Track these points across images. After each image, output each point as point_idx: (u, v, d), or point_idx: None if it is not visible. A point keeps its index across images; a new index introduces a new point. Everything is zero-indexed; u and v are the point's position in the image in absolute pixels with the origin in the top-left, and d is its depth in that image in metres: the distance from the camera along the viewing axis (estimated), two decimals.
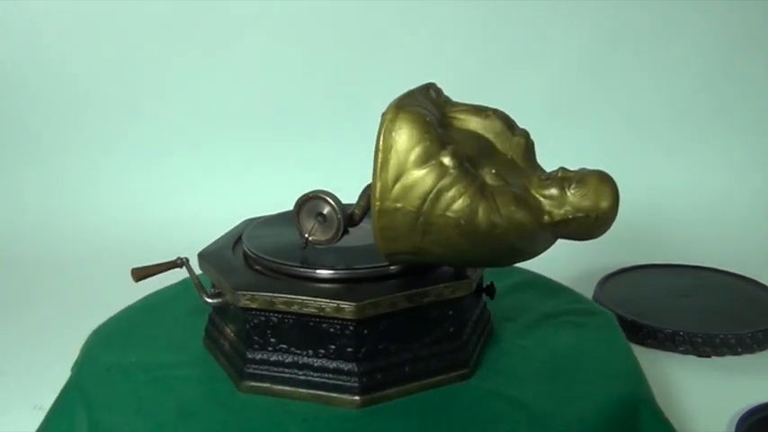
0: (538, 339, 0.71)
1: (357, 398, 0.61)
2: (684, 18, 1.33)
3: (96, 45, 1.31)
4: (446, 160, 0.58)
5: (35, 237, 1.23)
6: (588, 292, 0.96)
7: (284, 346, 0.63)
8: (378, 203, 0.60)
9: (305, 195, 0.67)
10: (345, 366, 0.61)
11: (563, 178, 0.60)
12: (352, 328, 0.60)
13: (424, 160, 0.58)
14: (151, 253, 1.15)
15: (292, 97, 1.30)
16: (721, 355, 0.85)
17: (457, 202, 0.57)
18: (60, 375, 0.71)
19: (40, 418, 0.69)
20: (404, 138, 0.58)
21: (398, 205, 0.59)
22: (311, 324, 0.61)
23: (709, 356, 0.85)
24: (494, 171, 0.60)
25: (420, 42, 1.33)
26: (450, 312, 0.64)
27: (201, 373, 0.67)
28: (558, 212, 0.59)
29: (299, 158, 1.30)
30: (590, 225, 0.59)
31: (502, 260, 0.62)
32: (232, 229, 0.76)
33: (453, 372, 0.64)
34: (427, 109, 0.61)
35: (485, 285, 0.72)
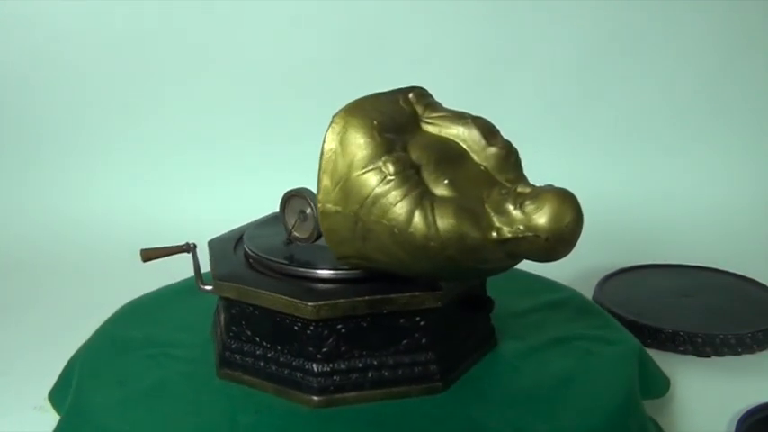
0: (537, 363, 0.68)
1: (315, 397, 0.61)
2: (684, 18, 1.33)
3: (96, 45, 1.31)
4: (386, 166, 0.56)
5: (35, 237, 1.23)
6: (588, 292, 0.96)
7: (257, 338, 0.64)
8: (320, 206, 0.59)
9: (288, 193, 0.68)
10: (306, 365, 0.62)
11: (519, 194, 0.56)
12: (312, 327, 0.60)
13: (364, 165, 0.57)
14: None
15: (292, 97, 1.30)
16: (721, 355, 0.85)
17: (392, 209, 0.56)
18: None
19: (40, 417, 0.69)
20: (347, 141, 0.58)
21: (338, 209, 0.59)
22: (278, 319, 0.62)
23: (709, 356, 0.85)
24: (446, 181, 0.57)
25: (417, 43, 1.33)
26: (423, 323, 0.62)
27: (196, 354, 0.69)
28: (508, 230, 0.55)
29: (300, 159, 1.30)
30: (541, 246, 0.55)
31: (447, 275, 0.59)
32: (249, 223, 0.77)
33: (422, 384, 0.62)
34: (383, 113, 0.59)
35: (484, 297, 0.69)
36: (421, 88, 0.66)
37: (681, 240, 1.21)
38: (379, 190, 0.56)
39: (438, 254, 0.56)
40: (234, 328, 0.65)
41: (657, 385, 0.73)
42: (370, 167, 0.57)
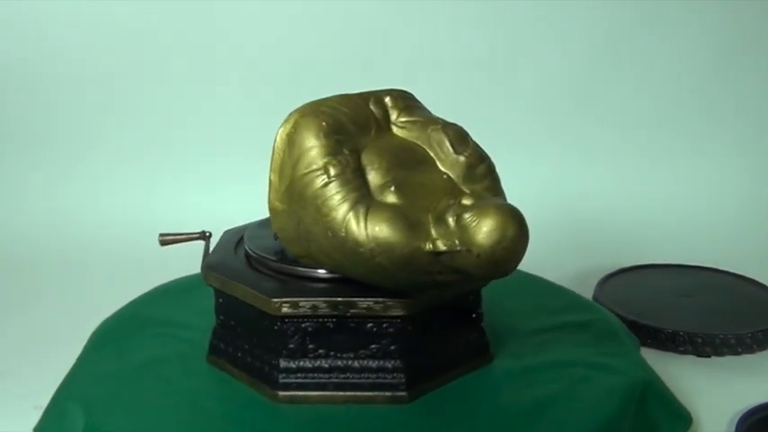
0: (522, 385, 0.64)
1: (279, 392, 0.61)
2: (677, 19, 1.33)
3: (97, 44, 1.31)
4: (327, 168, 0.56)
5: (35, 237, 1.23)
6: (588, 292, 0.96)
7: (238, 329, 0.66)
8: (269, 204, 0.60)
9: None
10: (273, 360, 0.62)
11: (461, 206, 0.55)
12: (279, 323, 0.61)
13: (307, 165, 0.57)
14: (152, 253, 1.15)
15: (293, 97, 1.30)
16: (721, 355, 0.85)
17: (329, 212, 0.55)
18: (60, 375, 0.71)
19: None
20: (294, 141, 0.58)
21: (285, 207, 0.59)
22: (252, 313, 0.63)
23: (709, 356, 0.85)
24: (392, 188, 0.56)
25: (415, 46, 1.33)
26: (391, 329, 0.61)
27: (199, 338, 0.71)
28: (443, 242, 0.53)
29: None
30: (473, 262, 0.53)
31: (384, 283, 0.57)
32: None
33: (387, 392, 0.61)
34: (338, 115, 0.59)
35: (469, 310, 0.67)
36: (402, 91, 0.65)
37: (681, 240, 1.21)
38: (318, 191, 0.56)
39: (368, 261, 0.54)
40: (221, 316, 0.68)
41: (673, 424, 0.68)
42: (313, 168, 0.57)
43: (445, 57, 1.33)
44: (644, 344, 0.87)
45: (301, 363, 0.62)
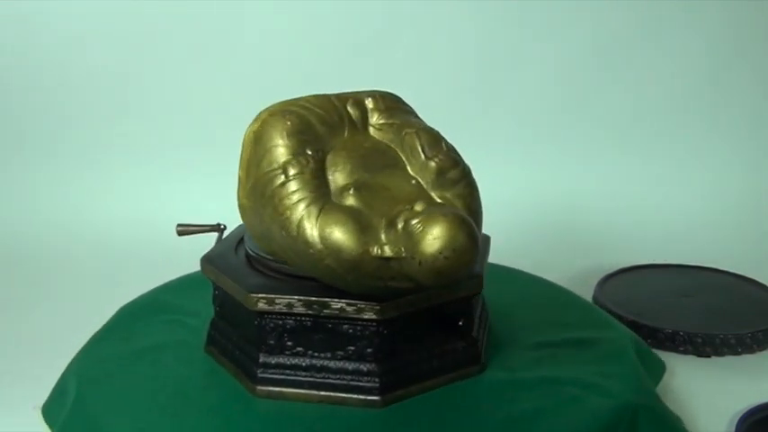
0: (506, 400, 0.62)
1: (257, 387, 0.62)
2: (671, 20, 1.33)
3: (97, 44, 1.31)
4: (286, 168, 0.56)
5: (35, 237, 1.23)
6: (588, 292, 0.96)
7: (228, 321, 0.68)
8: (238, 200, 0.61)
9: None
10: (253, 353, 0.63)
11: (412, 213, 0.54)
12: (258, 319, 0.62)
13: (269, 164, 0.57)
14: (152, 254, 1.16)
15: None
16: (721, 355, 0.85)
17: (284, 211, 0.55)
18: (60, 375, 0.72)
19: (40, 418, 0.69)
20: (260, 139, 0.58)
21: (251, 204, 0.59)
22: (240, 308, 0.64)
23: (709, 356, 0.85)
24: (351, 190, 0.56)
25: (410, 45, 1.33)
26: (367, 332, 0.60)
27: (205, 327, 0.72)
28: (390, 248, 0.53)
29: None
30: (416, 270, 0.52)
31: (337, 285, 0.57)
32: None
33: (360, 395, 0.61)
34: (307, 115, 0.59)
35: (453, 319, 0.65)
36: (387, 93, 0.64)
37: (681, 240, 1.21)
38: (276, 190, 0.56)
39: (319, 262, 0.54)
40: (217, 308, 0.69)
41: None
42: (274, 167, 0.57)
43: (444, 57, 1.34)
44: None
45: (279, 359, 0.62)
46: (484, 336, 0.70)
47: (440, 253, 0.51)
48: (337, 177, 0.57)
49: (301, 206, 0.55)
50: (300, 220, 0.55)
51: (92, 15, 1.30)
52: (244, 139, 0.60)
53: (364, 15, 1.32)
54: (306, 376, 0.62)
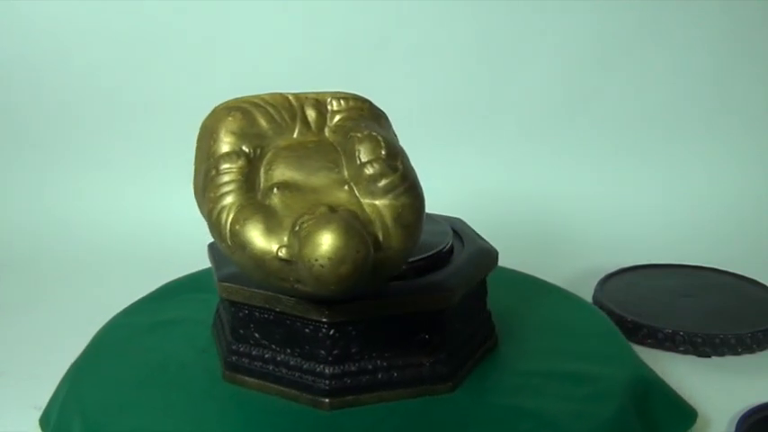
0: (460, 427, 0.59)
1: (225, 371, 0.65)
2: (669, 22, 1.34)
3: (98, 44, 1.31)
4: (217, 162, 0.57)
5: (35, 237, 1.23)
6: (588, 292, 0.96)
7: (222, 309, 0.69)
8: (193, 190, 0.61)
9: None
10: (228, 338, 0.66)
11: (310, 215, 0.52)
12: (233, 308, 0.64)
13: (208, 157, 0.59)
14: (153, 254, 1.16)
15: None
16: (721, 355, 0.85)
17: (209, 203, 0.56)
18: (60, 375, 0.72)
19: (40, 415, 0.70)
20: (205, 134, 0.60)
21: (200, 199, 0.60)
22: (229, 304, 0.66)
23: (709, 356, 0.85)
24: (275, 190, 0.56)
25: (411, 44, 1.33)
26: (318, 334, 0.60)
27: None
28: (287, 251, 0.52)
29: None
30: (303, 275, 0.50)
31: (255, 281, 0.58)
32: None
33: (310, 395, 0.60)
34: (254, 112, 0.60)
35: (422, 338, 0.62)
36: (356, 97, 0.63)
37: (681, 240, 1.21)
38: (208, 183, 0.57)
39: (230, 256, 0.55)
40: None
41: None
42: (210, 161, 0.58)
43: (443, 57, 1.34)
44: (644, 344, 0.87)
45: (246, 348, 0.64)
46: (468, 354, 0.66)
47: (315, 260, 0.48)
48: (269, 176, 0.57)
49: (223, 200, 0.56)
50: (219, 213, 0.55)
51: (92, 15, 1.30)
52: (197, 136, 0.62)
53: (364, 15, 1.32)
54: (266, 369, 0.63)
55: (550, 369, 0.67)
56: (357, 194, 0.56)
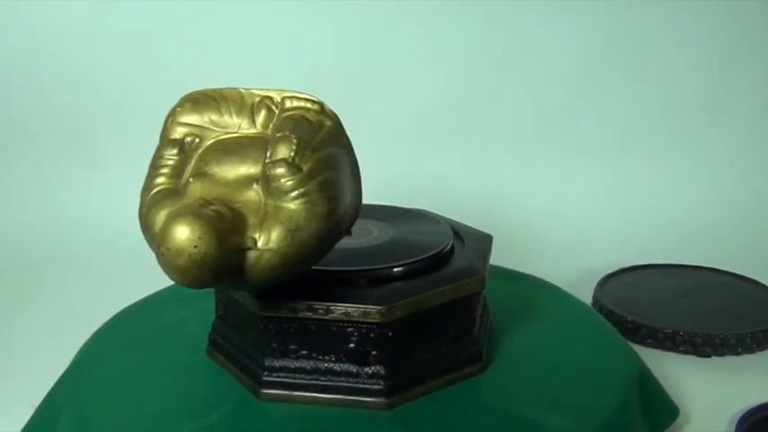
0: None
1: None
2: (674, 22, 1.34)
3: (98, 44, 1.31)
4: (159, 150, 0.60)
5: (35, 236, 1.23)
6: (588, 292, 0.96)
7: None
8: None
9: None
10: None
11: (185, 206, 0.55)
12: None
13: (157, 145, 0.62)
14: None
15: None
16: (721, 355, 0.85)
17: (144, 191, 0.60)
18: (60, 375, 0.72)
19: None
20: (166, 122, 0.63)
21: None
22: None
23: (709, 356, 0.85)
24: (191, 179, 0.57)
25: (410, 44, 1.34)
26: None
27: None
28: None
29: None
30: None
31: None
32: None
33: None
34: (206, 104, 0.62)
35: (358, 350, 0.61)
36: (308, 97, 0.62)
37: (681, 240, 1.21)
38: (149, 168, 0.61)
39: (143, 234, 0.58)
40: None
41: None
42: (157, 146, 0.62)
43: (444, 57, 1.34)
44: (644, 344, 0.87)
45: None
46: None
47: (159, 248, 0.51)
48: (196, 166, 0.59)
49: (145, 185, 0.60)
50: (142, 198, 0.60)
51: (93, 15, 1.30)
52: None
53: (364, 14, 1.32)
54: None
55: (548, 369, 0.68)
56: (262, 193, 0.56)
